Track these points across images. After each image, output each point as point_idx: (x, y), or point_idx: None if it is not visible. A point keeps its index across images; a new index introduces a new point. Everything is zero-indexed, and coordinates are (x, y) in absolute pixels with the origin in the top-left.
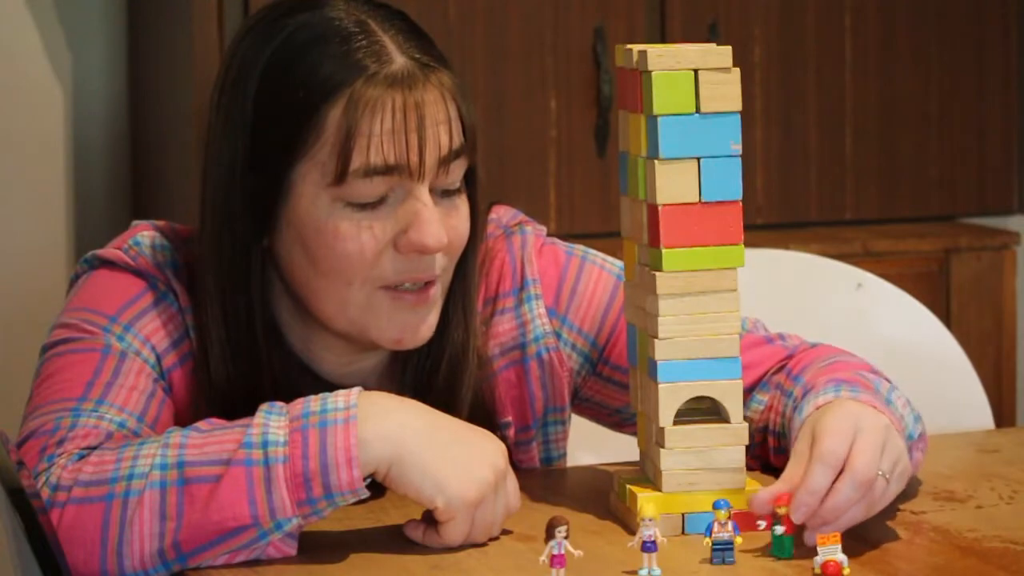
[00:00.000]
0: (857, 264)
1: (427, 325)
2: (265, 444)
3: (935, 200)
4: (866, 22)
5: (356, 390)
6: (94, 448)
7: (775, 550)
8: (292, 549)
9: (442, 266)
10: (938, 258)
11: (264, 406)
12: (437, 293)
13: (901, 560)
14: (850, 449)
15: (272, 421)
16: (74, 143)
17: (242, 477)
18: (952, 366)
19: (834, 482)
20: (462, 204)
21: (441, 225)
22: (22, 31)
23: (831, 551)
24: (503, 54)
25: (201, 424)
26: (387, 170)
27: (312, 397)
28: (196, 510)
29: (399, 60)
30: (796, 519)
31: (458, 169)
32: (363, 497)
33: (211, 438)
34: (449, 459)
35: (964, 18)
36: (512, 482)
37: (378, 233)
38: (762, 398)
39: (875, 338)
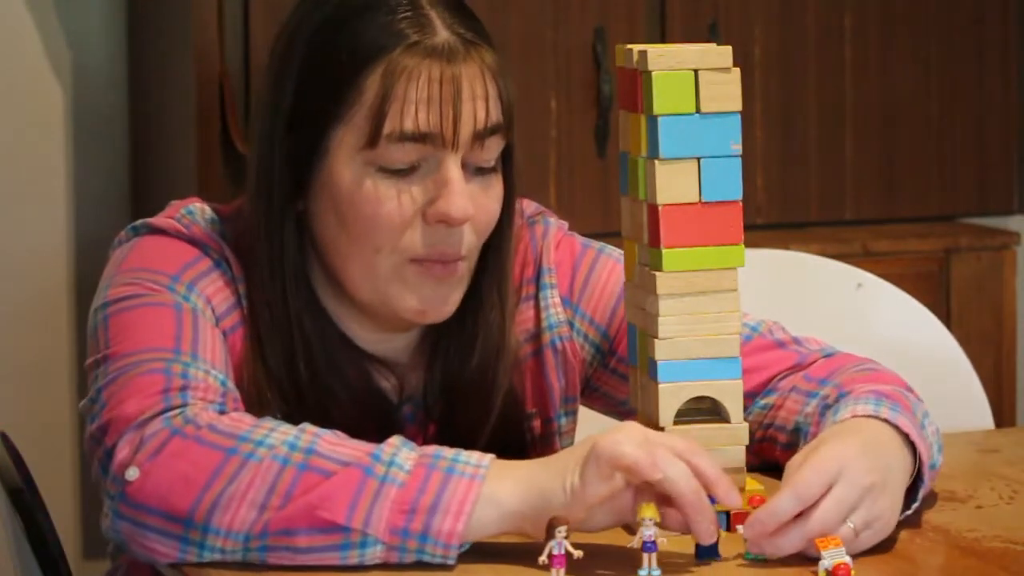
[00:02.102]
0: (857, 264)
1: (451, 301)
2: (391, 464)
3: (935, 200)
4: (866, 22)
5: (490, 456)
6: (222, 405)
7: (752, 552)
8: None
9: (470, 245)
10: (938, 258)
11: (399, 438)
12: (464, 270)
13: (901, 560)
14: (823, 494)
15: (404, 450)
16: (74, 142)
17: (356, 479)
18: (952, 366)
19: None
20: (496, 184)
21: (468, 198)
22: (22, 31)
23: (837, 554)
24: (503, 54)
25: (338, 431)
26: (420, 137)
27: (446, 447)
28: (304, 494)
29: (442, 34)
30: (746, 533)
31: (494, 147)
32: (449, 564)
33: (346, 443)
34: (571, 460)
35: (964, 18)
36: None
37: (407, 200)
38: (767, 402)
39: (875, 338)
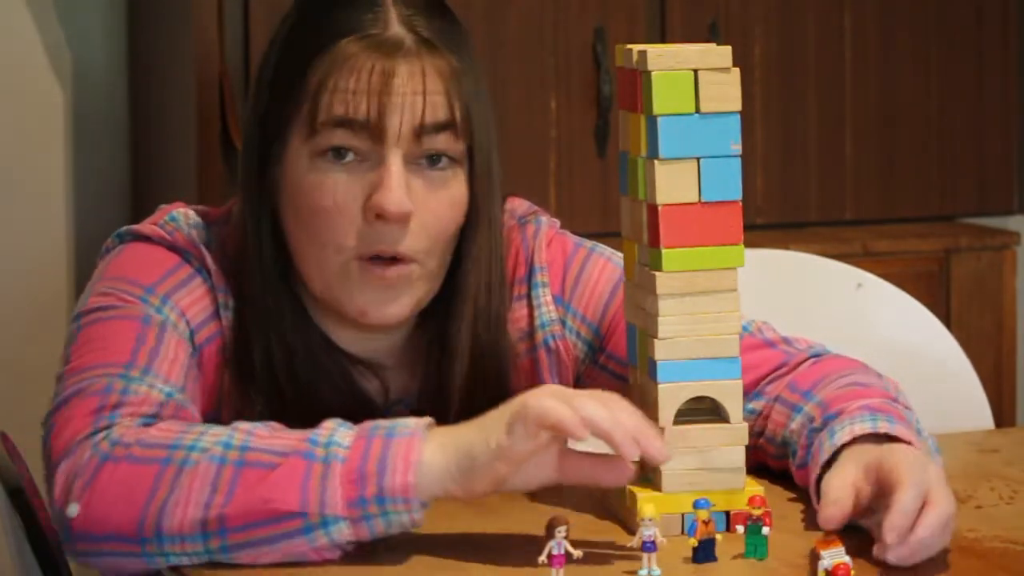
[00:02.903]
0: (857, 264)
1: (398, 305)
2: (329, 444)
3: (935, 200)
4: (866, 22)
5: (427, 419)
6: (154, 416)
7: (750, 552)
8: (334, 555)
9: (416, 248)
10: (938, 258)
11: (335, 419)
12: (410, 274)
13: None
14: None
15: (341, 429)
16: (74, 142)
17: (300, 467)
18: (952, 366)
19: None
20: (449, 186)
21: (405, 192)
22: (22, 31)
23: (836, 554)
24: (503, 54)
25: (271, 424)
26: (349, 123)
27: (383, 420)
28: (247, 488)
29: (395, 30)
30: (889, 540)
31: (441, 145)
32: (416, 519)
33: (279, 435)
34: (498, 422)
35: (964, 18)
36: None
37: (348, 193)
38: (754, 407)
39: (875, 338)
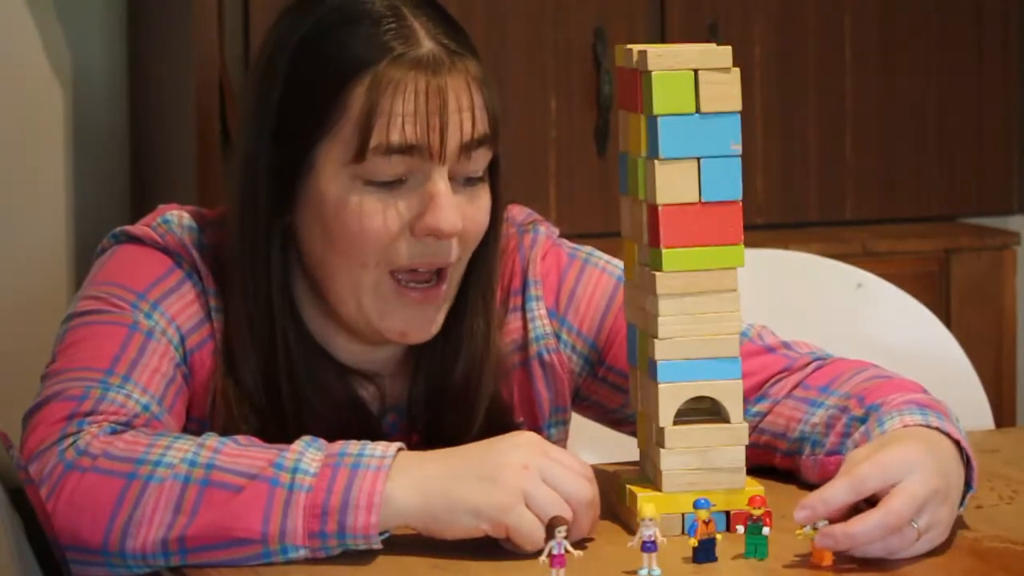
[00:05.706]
0: (857, 264)
1: (435, 322)
2: (295, 470)
3: (935, 200)
4: (866, 23)
5: (396, 445)
6: (125, 425)
7: (750, 552)
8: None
9: (457, 255)
10: (938, 258)
11: (305, 438)
12: (447, 291)
13: (900, 559)
14: (892, 488)
15: (308, 452)
16: (74, 143)
17: (264, 493)
18: (952, 366)
19: (859, 511)
20: (483, 194)
21: (457, 211)
22: (22, 31)
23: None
24: (503, 54)
25: (240, 438)
26: (406, 149)
27: (352, 441)
28: (211, 511)
29: (427, 45)
30: (797, 517)
31: (481, 158)
32: (376, 547)
33: (246, 452)
34: (472, 481)
35: (964, 18)
36: (556, 452)
37: (395, 214)
38: (758, 409)
39: (875, 338)
